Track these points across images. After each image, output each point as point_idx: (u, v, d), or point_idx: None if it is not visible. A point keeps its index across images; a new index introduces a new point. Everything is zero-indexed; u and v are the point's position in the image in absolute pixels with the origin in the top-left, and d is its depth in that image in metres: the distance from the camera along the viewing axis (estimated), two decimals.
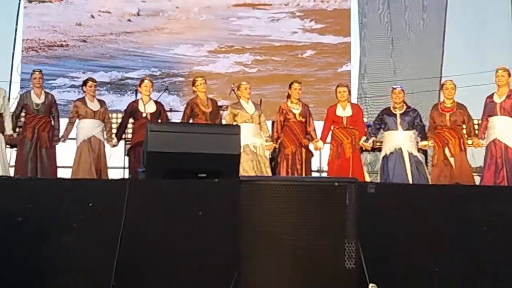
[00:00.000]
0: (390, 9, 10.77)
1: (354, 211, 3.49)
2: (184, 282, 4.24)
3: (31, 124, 7.18)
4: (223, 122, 7.54)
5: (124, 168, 8.15)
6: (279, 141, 7.31)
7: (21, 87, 9.62)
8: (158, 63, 10.52)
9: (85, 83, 7.46)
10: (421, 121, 7.18)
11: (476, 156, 7.64)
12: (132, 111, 7.37)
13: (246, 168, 6.83)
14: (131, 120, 7.55)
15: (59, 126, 7.41)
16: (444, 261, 4.39)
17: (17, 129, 7.49)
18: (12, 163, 7.42)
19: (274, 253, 3.42)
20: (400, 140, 7.04)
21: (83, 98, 7.38)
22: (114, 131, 7.61)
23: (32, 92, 7.29)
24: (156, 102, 7.48)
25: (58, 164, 7.42)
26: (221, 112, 7.78)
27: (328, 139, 7.47)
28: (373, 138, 7.34)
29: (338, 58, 10.67)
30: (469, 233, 4.47)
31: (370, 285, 3.71)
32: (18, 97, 7.74)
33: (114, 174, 8.17)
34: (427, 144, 7.21)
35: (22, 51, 10.19)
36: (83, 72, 10.11)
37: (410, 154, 6.97)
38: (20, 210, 4.25)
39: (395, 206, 4.47)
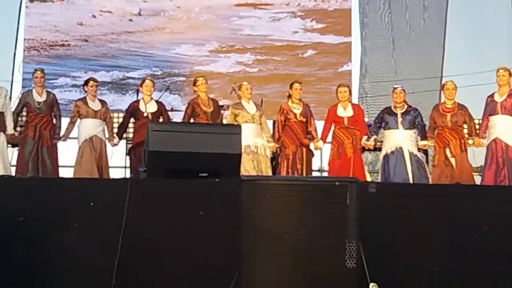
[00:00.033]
0: (391, 9, 10.77)
1: (355, 210, 3.49)
2: (185, 282, 4.23)
3: (33, 123, 7.20)
4: (224, 122, 7.54)
5: (125, 167, 8.17)
6: (280, 141, 7.32)
7: (22, 87, 9.62)
8: (159, 63, 10.53)
9: (86, 83, 7.48)
10: (422, 120, 7.20)
11: (476, 155, 7.64)
12: (133, 110, 7.38)
13: (248, 168, 6.84)
14: (132, 120, 7.57)
15: (60, 124, 7.43)
16: (444, 260, 4.38)
17: (18, 128, 7.52)
18: (14, 162, 7.43)
19: (274, 253, 3.43)
20: (400, 139, 7.05)
21: (84, 98, 7.39)
22: (116, 130, 7.62)
23: (33, 90, 7.31)
24: (157, 102, 7.49)
25: (60, 163, 7.44)
26: (222, 111, 7.79)
27: (329, 139, 7.48)
28: (375, 137, 7.35)
29: (339, 58, 10.67)
30: (470, 232, 4.47)
31: (371, 284, 3.72)
32: (20, 96, 7.75)
33: (115, 173, 8.19)
34: (427, 144, 7.22)
35: (24, 51, 10.19)
36: (85, 72, 10.12)
37: (411, 154, 6.98)
38: (21, 210, 4.24)
39: (396, 206, 4.47)
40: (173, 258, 4.24)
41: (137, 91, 8.15)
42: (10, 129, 7.13)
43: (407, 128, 7.06)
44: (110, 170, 7.53)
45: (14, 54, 10.17)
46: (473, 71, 9.40)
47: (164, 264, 4.23)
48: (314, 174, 8.46)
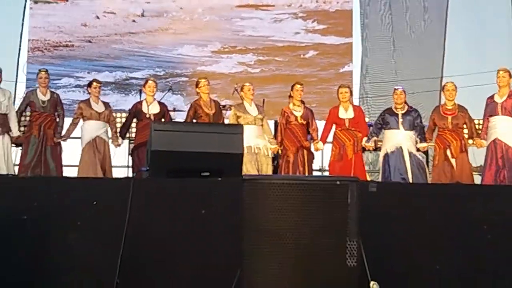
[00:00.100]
0: (391, 10, 10.79)
1: (355, 209, 3.52)
2: (187, 280, 4.24)
3: (37, 122, 7.23)
4: (226, 122, 7.56)
5: (128, 166, 8.18)
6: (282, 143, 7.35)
7: (26, 87, 9.63)
8: (162, 63, 10.56)
9: (90, 84, 7.51)
10: (421, 122, 7.21)
11: (476, 155, 7.66)
12: (136, 111, 7.41)
13: (249, 169, 6.86)
14: (134, 120, 7.60)
15: (63, 124, 7.45)
16: (444, 259, 4.39)
17: (22, 128, 7.54)
18: (17, 161, 7.46)
19: (276, 251, 3.46)
20: (400, 139, 7.07)
21: (88, 100, 7.42)
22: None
23: (38, 90, 7.35)
24: (160, 103, 7.51)
25: (63, 162, 7.46)
26: (224, 112, 7.81)
27: (329, 139, 7.50)
28: (375, 138, 7.37)
29: (340, 59, 10.69)
30: (469, 231, 4.47)
31: (371, 283, 3.74)
32: (24, 95, 7.79)
33: (118, 172, 8.22)
34: (426, 146, 7.24)
35: (28, 51, 10.24)
36: (88, 72, 10.18)
37: (411, 153, 7.00)
38: (24, 209, 4.25)
39: (396, 205, 4.48)
40: (175, 257, 4.24)
41: (140, 91, 8.18)
42: (15, 132, 7.16)
43: (407, 129, 7.09)
44: (113, 169, 7.57)
45: (18, 54, 10.19)
46: (473, 71, 9.41)
47: (166, 263, 4.24)
48: (315, 173, 8.48)
